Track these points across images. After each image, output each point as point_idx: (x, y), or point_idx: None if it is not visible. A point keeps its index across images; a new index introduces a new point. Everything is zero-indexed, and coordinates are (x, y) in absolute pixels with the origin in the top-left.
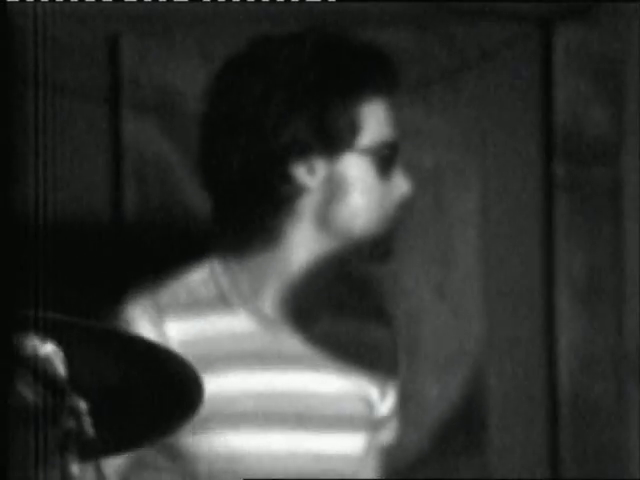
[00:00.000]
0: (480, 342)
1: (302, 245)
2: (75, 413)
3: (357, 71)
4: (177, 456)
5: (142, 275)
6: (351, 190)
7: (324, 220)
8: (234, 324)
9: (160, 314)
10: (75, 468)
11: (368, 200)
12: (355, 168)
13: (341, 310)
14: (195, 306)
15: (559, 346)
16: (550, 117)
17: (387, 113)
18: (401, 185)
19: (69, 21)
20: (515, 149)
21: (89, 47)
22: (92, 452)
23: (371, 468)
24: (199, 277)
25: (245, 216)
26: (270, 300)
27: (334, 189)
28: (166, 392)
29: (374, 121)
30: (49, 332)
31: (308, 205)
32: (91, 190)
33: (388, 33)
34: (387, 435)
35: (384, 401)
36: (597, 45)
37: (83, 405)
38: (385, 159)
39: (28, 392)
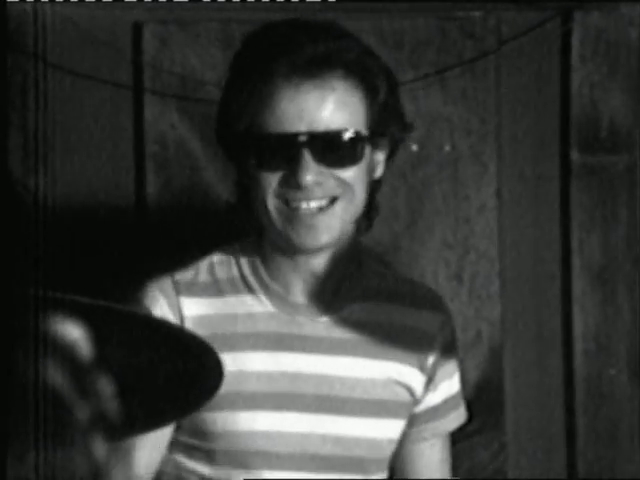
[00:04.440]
0: (497, 326)
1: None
2: (101, 396)
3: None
4: (198, 433)
5: (163, 258)
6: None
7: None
8: (253, 305)
9: (177, 293)
10: (101, 450)
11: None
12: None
13: (383, 297)
14: (214, 285)
15: (575, 329)
16: (567, 104)
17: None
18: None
19: (92, 8)
20: (532, 135)
21: (112, 34)
22: (118, 435)
23: (390, 452)
24: (220, 259)
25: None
26: (292, 287)
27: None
28: (188, 374)
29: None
30: (76, 314)
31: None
32: (114, 175)
33: (406, 20)
34: (442, 424)
35: (434, 390)
36: (615, 33)
37: (110, 388)
38: None
39: (54, 375)
